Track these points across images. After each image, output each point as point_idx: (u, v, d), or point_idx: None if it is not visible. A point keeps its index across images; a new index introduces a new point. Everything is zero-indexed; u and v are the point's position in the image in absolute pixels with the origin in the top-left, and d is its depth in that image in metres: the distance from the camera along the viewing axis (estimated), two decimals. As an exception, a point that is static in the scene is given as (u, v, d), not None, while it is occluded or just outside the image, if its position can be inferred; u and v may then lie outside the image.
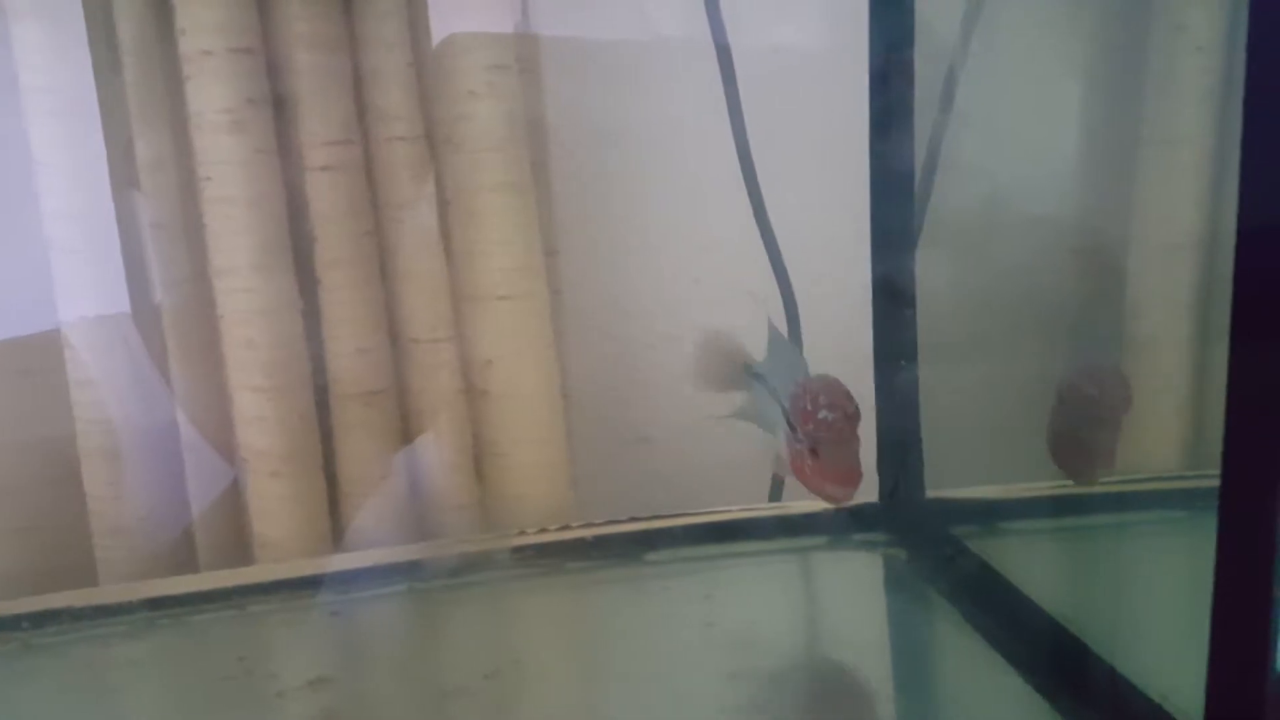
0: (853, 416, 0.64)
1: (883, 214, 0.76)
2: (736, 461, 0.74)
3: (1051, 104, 0.79)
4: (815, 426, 0.62)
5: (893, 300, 0.76)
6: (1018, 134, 0.79)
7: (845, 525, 0.75)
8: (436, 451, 0.81)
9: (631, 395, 0.93)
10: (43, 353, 0.77)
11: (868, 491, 0.77)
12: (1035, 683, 0.57)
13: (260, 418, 0.77)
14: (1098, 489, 0.68)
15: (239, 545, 0.80)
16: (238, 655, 0.66)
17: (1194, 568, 0.65)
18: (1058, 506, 0.71)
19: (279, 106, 0.76)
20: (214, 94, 0.74)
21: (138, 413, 0.79)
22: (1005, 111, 0.79)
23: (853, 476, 0.64)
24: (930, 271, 0.75)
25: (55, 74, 0.74)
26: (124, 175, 0.77)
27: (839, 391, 0.65)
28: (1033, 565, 0.68)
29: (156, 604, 0.72)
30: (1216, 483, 0.65)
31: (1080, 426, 0.66)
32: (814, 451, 0.63)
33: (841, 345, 0.81)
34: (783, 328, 0.82)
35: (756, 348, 0.80)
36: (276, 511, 0.78)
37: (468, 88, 0.77)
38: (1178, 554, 0.66)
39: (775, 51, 0.85)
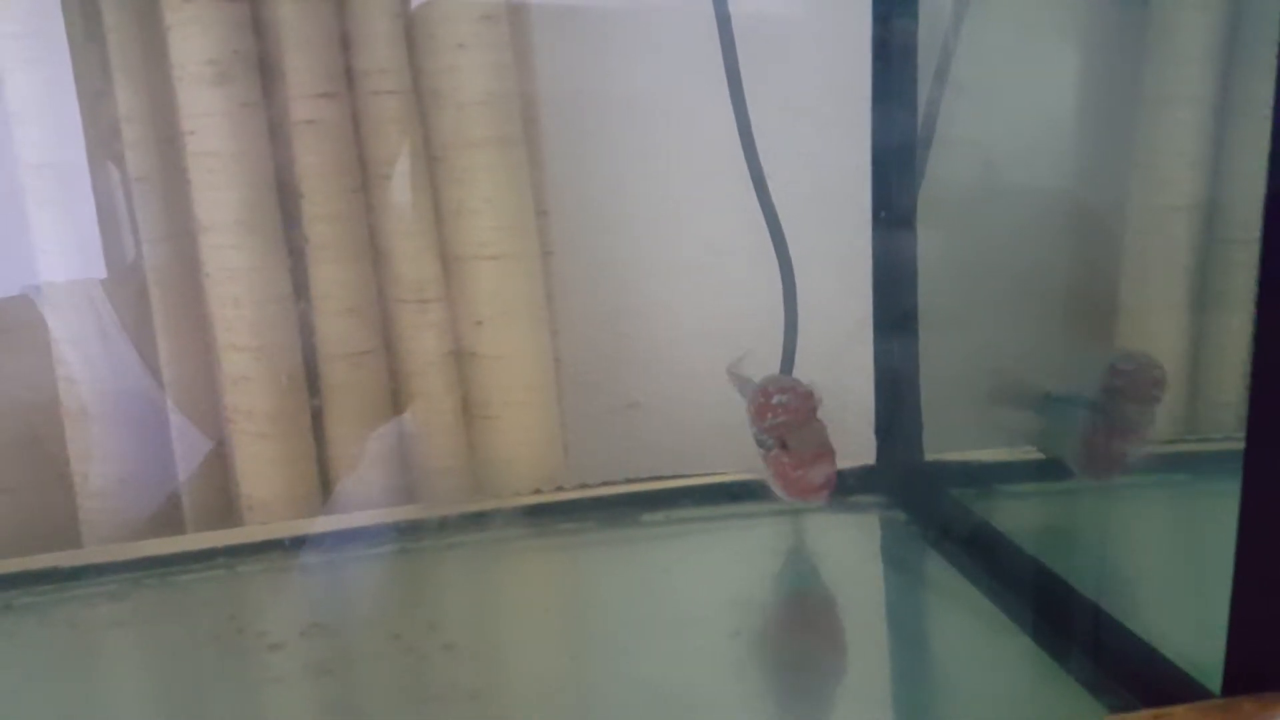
0: (806, 395, 0.66)
1: (884, 178, 0.75)
2: (726, 428, 0.73)
3: (1050, 64, 0.79)
4: (774, 414, 0.65)
5: (893, 266, 0.75)
6: (1015, 97, 0.78)
7: (843, 488, 0.75)
8: (425, 413, 0.80)
9: (621, 360, 0.92)
10: (23, 310, 0.75)
11: (866, 454, 0.76)
12: (1039, 640, 0.57)
13: (247, 378, 0.76)
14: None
15: (226, 506, 0.79)
16: (228, 614, 0.65)
17: (1193, 529, 0.65)
18: (1057, 469, 0.70)
19: (263, 58, 0.74)
20: (197, 44, 0.72)
21: (120, 373, 0.77)
22: (1003, 74, 0.78)
23: (826, 455, 0.65)
24: (930, 236, 0.74)
25: (32, 20, 0.71)
26: (96, 127, 0.75)
27: (785, 380, 0.67)
28: (1033, 527, 0.68)
29: (143, 565, 0.71)
30: (1214, 447, 0.66)
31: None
32: (783, 445, 0.65)
33: (838, 311, 0.81)
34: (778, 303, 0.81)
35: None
36: (264, 472, 0.77)
37: (456, 40, 0.76)
38: (1176, 515, 0.66)
39: (775, 13, 0.84)
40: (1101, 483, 0.66)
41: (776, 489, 0.68)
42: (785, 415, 0.65)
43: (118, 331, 0.77)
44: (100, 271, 0.76)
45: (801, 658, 0.61)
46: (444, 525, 0.75)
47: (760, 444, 0.68)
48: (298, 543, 0.72)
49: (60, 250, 0.76)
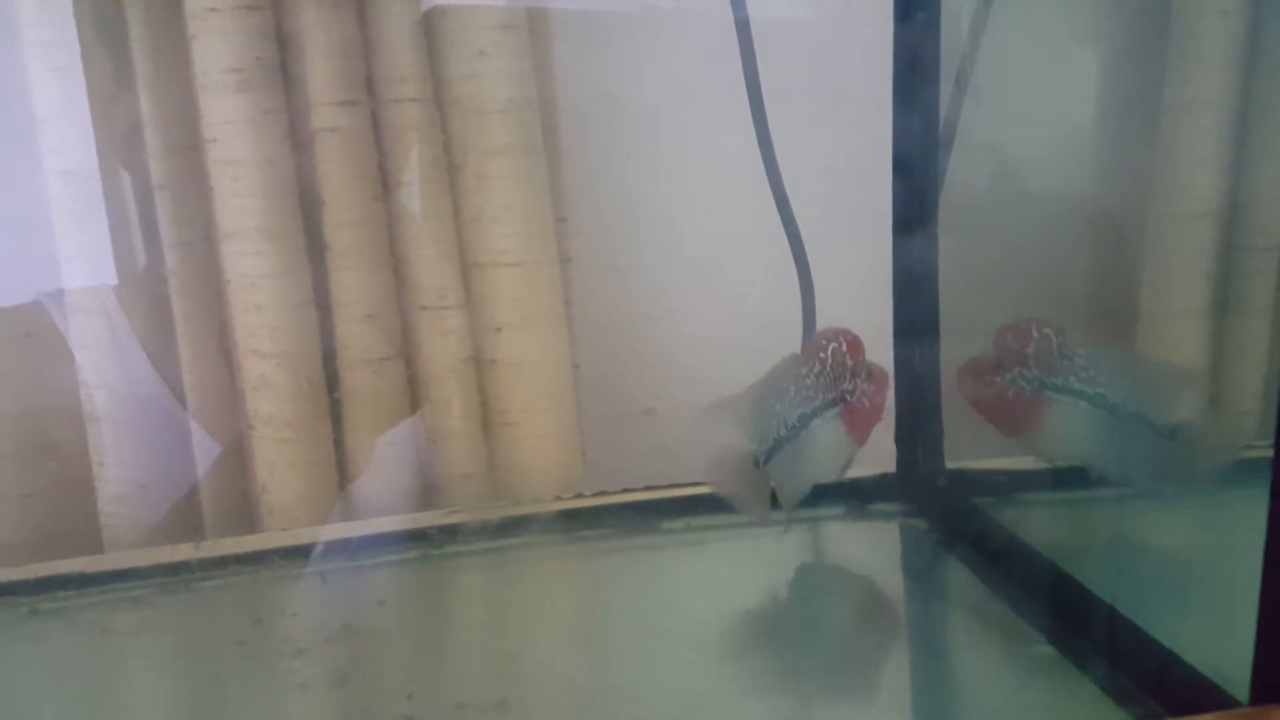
0: None
1: (905, 184, 0.75)
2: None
3: (1071, 69, 0.79)
4: (861, 350, 0.68)
5: (913, 271, 0.75)
6: (1038, 103, 0.78)
7: (863, 495, 0.75)
8: (444, 419, 0.80)
9: (637, 366, 0.92)
10: (44, 316, 0.76)
11: (886, 462, 0.76)
12: (1062, 648, 0.57)
13: (267, 383, 0.76)
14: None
15: (246, 511, 0.79)
16: (253, 619, 0.66)
17: (1217, 535, 0.65)
18: (1079, 476, 0.70)
19: (285, 66, 0.75)
20: (220, 52, 0.72)
21: (141, 378, 0.78)
22: (1024, 80, 0.78)
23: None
24: (951, 241, 0.74)
25: (60, 29, 0.72)
26: (117, 134, 0.75)
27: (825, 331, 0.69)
28: (1055, 534, 0.68)
29: (167, 570, 0.71)
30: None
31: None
32: (870, 375, 0.69)
33: (856, 318, 0.81)
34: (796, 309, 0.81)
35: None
36: (284, 477, 0.77)
37: (477, 47, 0.76)
38: (1200, 522, 0.66)
39: (793, 16, 0.84)
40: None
41: (848, 442, 0.67)
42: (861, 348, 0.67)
43: (128, 336, 0.77)
44: (122, 278, 0.77)
45: (822, 666, 0.61)
46: (464, 531, 0.75)
47: (837, 401, 0.66)
48: (321, 548, 0.73)
49: (85, 256, 0.76)
